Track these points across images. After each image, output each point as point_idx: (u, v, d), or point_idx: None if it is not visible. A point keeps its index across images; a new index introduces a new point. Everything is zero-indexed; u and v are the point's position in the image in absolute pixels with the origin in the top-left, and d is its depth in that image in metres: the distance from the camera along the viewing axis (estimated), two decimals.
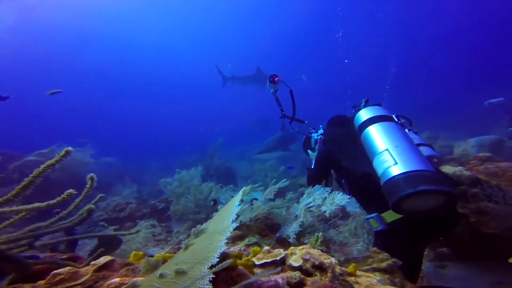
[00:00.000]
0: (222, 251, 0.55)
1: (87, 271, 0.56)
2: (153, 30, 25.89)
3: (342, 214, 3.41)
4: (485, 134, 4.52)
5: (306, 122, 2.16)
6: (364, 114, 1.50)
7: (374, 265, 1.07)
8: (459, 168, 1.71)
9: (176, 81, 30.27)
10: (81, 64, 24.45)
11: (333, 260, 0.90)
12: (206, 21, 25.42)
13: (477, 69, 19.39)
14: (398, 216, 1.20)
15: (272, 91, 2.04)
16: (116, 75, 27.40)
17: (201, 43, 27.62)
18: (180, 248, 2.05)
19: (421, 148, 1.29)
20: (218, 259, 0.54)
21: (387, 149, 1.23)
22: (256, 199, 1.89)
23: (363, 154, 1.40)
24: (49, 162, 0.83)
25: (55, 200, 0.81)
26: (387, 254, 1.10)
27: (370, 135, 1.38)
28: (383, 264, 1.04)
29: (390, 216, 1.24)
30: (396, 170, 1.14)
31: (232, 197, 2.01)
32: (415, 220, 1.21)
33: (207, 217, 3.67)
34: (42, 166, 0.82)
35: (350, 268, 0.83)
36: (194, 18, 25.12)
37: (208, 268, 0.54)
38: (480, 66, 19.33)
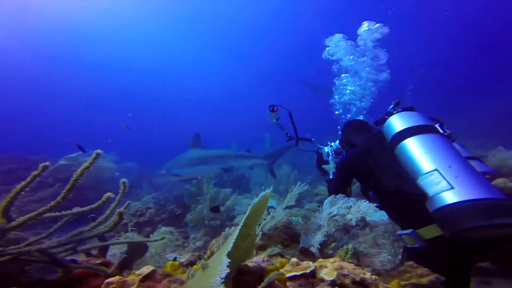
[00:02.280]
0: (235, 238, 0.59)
1: (133, 281, 0.57)
2: (162, 31, 25.21)
3: (362, 224, 3.28)
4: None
5: (312, 139, 2.14)
6: (398, 122, 1.33)
7: (413, 281, 1.00)
8: (502, 179, 1.58)
9: (192, 87, 30.76)
10: (93, 67, 24.56)
11: (370, 275, 0.85)
12: (222, 22, 25.08)
13: (499, 71, 18.34)
14: (438, 233, 1.08)
15: (274, 121, 2.07)
16: (129, 79, 27.43)
17: (211, 46, 27.65)
18: (200, 255, 2.05)
19: (472, 163, 1.14)
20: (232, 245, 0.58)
21: (436, 169, 1.08)
22: (273, 207, 1.86)
23: (401, 168, 1.25)
24: (84, 164, 0.87)
25: (96, 204, 0.84)
26: (426, 269, 1.02)
27: (410, 150, 1.20)
28: (424, 280, 0.97)
29: (428, 232, 1.12)
30: (454, 196, 0.99)
31: (250, 204, 2.00)
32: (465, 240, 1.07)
33: (223, 224, 3.68)
34: (79, 170, 0.86)
35: (394, 284, 0.78)
36: (210, 21, 24.74)
37: (225, 256, 0.54)
38: (502, 68, 18.26)
